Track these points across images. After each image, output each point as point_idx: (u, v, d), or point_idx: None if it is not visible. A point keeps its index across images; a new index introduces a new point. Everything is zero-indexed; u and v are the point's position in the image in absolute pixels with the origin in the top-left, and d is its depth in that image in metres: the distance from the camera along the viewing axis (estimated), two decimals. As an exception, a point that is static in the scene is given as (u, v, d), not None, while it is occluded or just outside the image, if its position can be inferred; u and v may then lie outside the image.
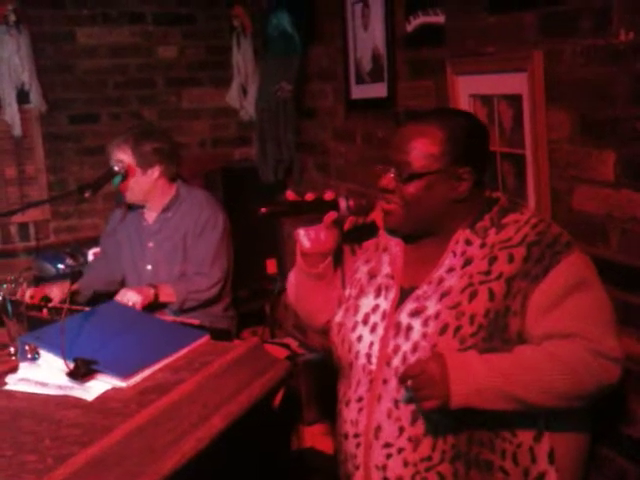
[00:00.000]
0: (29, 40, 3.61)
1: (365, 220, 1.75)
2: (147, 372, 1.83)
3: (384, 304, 1.63)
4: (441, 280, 1.57)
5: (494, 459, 1.51)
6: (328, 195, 1.64)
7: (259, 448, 1.98)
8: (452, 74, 2.22)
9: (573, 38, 1.75)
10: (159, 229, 2.87)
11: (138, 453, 1.51)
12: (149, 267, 2.87)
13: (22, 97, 3.64)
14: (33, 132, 3.76)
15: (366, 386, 1.62)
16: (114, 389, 1.76)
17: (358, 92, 2.98)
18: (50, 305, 2.57)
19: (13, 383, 1.83)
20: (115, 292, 2.82)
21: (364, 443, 1.60)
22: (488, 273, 1.53)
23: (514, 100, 1.97)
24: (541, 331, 1.49)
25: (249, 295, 3.54)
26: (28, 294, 2.50)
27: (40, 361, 1.86)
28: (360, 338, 1.64)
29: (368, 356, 1.61)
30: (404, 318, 1.57)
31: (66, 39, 3.79)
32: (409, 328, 1.56)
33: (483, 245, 1.57)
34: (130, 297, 2.55)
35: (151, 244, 2.88)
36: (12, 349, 2.00)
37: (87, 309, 2.30)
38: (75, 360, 1.77)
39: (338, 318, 1.72)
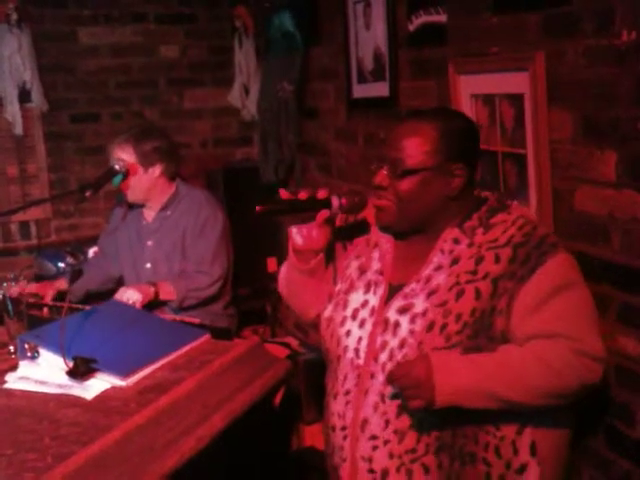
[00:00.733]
0: (31, 39, 3.61)
1: (357, 217, 1.77)
2: (147, 371, 1.84)
3: (373, 300, 1.66)
4: (429, 278, 1.59)
5: (477, 451, 1.53)
6: (321, 193, 1.67)
7: (259, 447, 1.98)
8: (454, 73, 2.22)
9: (575, 38, 1.75)
10: (158, 227, 2.88)
11: (138, 452, 1.50)
12: (148, 265, 2.87)
13: (24, 96, 3.64)
14: (34, 131, 3.77)
15: (354, 380, 1.64)
16: (113, 388, 1.76)
17: (360, 91, 2.98)
18: (41, 302, 2.58)
19: (13, 382, 1.83)
20: (109, 291, 2.84)
21: (351, 435, 1.63)
22: (475, 273, 1.56)
23: (516, 100, 1.97)
24: (526, 331, 1.52)
25: (250, 294, 3.54)
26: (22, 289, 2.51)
27: (40, 360, 1.86)
28: (349, 333, 1.66)
29: (356, 351, 1.64)
30: (392, 315, 1.60)
31: (68, 38, 3.79)
32: (397, 325, 1.58)
33: (471, 245, 1.59)
34: (130, 295, 2.55)
35: (150, 242, 2.88)
36: (12, 347, 2.00)
37: (87, 308, 2.31)
38: (75, 359, 1.77)
39: (328, 312, 1.75)
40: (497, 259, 1.55)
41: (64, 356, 1.77)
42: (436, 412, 1.50)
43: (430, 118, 1.63)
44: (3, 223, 3.73)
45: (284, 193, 1.67)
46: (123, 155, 2.78)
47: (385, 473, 1.57)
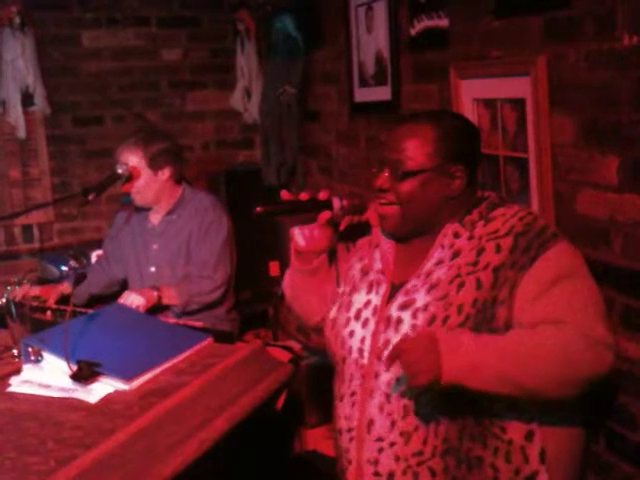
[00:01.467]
0: (34, 42, 3.62)
1: (360, 219, 1.78)
2: (150, 375, 1.84)
3: (375, 299, 1.66)
4: (429, 273, 1.59)
5: (485, 456, 1.52)
6: (322, 195, 1.69)
7: (261, 451, 1.98)
8: (456, 78, 2.22)
9: (577, 43, 1.75)
10: (163, 231, 2.88)
11: (141, 455, 1.51)
12: (152, 269, 2.88)
13: (26, 99, 3.65)
14: (37, 134, 3.77)
15: (359, 381, 1.64)
16: (117, 391, 1.77)
17: (362, 95, 2.98)
18: (44, 305, 2.58)
19: (16, 385, 1.83)
20: (113, 294, 2.84)
21: (357, 437, 1.62)
22: (476, 264, 1.55)
23: (518, 104, 1.97)
24: (529, 318, 1.48)
25: (252, 297, 3.55)
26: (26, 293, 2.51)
27: (43, 363, 1.87)
28: (352, 333, 1.66)
29: (360, 351, 1.64)
30: (394, 312, 1.60)
31: (71, 42, 3.80)
32: (399, 321, 1.58)
33: (471, 237, 1.59)
34: (133, 299, 2.56)
35: (155, 246, 2.88)
36: (15, 351, 2.01)
37: (90, 311, 2.31)
38: (78, 362, 1.77)
39: (332, 314, 1.75)
40: (498, 249, 1.54)
41: (68, 360, 1.77)
42: (441, 407, 1.47)
43: (429, 119, 1.64)
44: (6, 226, 3.73)
45: (285, 194, 1.68)
46: (133, 159, 2.77)
47: (391, 476, 1.56)
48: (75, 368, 1.77)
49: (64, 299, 2.72)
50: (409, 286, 1.61)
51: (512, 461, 1.52)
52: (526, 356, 1.44)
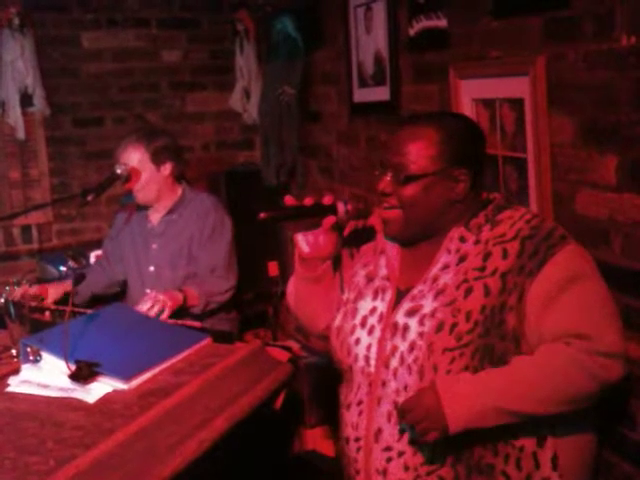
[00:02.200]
0: (33, 43, 3.62)
1: (365, 224, 1.76)
2: (149, 374, 1.84)
3: (381, 306, 1.64)
4: (436, 278, 1.57)
5: (496, 463, 1.50)
6: (327, 200, 1.65)
7: (261, 450, 1.98)
8: (455, 78, 2.22)
9: (576, 43, 1.75)
10: (163, 231, 2.88)
11: (140, 455, 1.51)
12: (151, 269, 2.87)
13: (26, 100, 3.65)
14: (37, 135, 3.78)
15: (366, 389, 1.62)
16: (115, 391, 1.77)
17: (361, 96, 2.99)
18: (43, 305, 2.58)
19: (15, 385, 1.83)
20: (112, 295, 2.83)
21: (364, 447, 1.60)
22: (483, 269, 1.53)
23: (516, 104, 1.98)
24: (540, 331, 1.48)
25: (251, 297, 3.55)
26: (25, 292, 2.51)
27: (42, 363, 1.87)
28: (358, 341, 1.64)
29: (366, 358, 1.62)
30: (400, 318, 1.58)
31: (70, 43, 3.81)
32: (405, 328, 1.56)
33: (477, 242, 1.57)
34: (160, 300, 2.51)
35: (155, 246, 2.89)
36: (14, 351, 2.01)
37: (89, 311, 2.31)
38: (77, 362, 1.77)
39: (337, 322, 1.73)
40: (505, 254, 1.53)
41: (67, 359, 1.77)
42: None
43: (432, 122, 1.61)
44: (5, 227, 3.74)
45: (289, 199, 1.65)
46: (135, 154, 2.78)
47: None
48: (74, 368, 1.76)
49: (66, 297, 2.72)
50: (415, 292, 1.59)
51: (523, 468, 1.51)
52: (528, 388, 1.45)
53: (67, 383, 1.77)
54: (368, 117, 2.95)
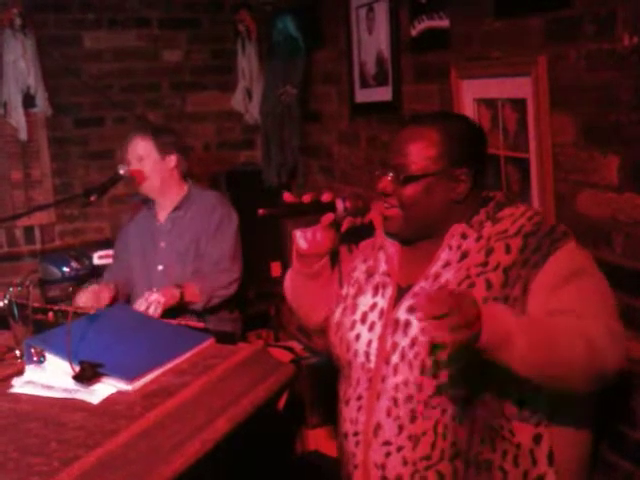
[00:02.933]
0: (35, 44, 3.62)
1: (363, 221, 1.77)
2: (152, 375, 1.84)
3: (382, 302, 1.64)
4: (437, 275, 1.58)
5: (494, 459, 1.51)
6: (325, 197, 1.66)
7: (263, 451, 1.98)
8: (457, 78, 2.23)
9: (577, 43, 1.76)
10: (171, 228, 2.89)
11: (143, 456, 1.51)
12: (160, 267, 2.88)
13: (28, 101, 3.65)
14: (39, 136, 3.78)
15: (365, 384, 1.62)
16: (119, 392, 1.77)
17: (362, 96, 2.99)
18: (46, 306, 2.59)
19: (19, 386, 1.83)
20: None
21: (363, 442, 1.61)
22: (485, 264, 1.53)
23: (518, 104, 1.98)
24: (549, 307, 1.45)
25: (254, 298, 3.56)
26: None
27: (46, 364, 1.87)
28: (358, 336, 1.65)
29: (366, 354, 1.62)
30: (402, 314, 1.58)
31: (72, 43, 3.81)
32: (407, 324, 1.56)
33: (479, 238, 1.57)
34: (154, 298, 2.54)
35: (163, 244, 2.89)
36: (18, 352, 2.01)
37: (92, 312, 2.31)
38: (81, 363, 1.78)
39: (336, 317, 1.73)
40: (508, 249, 1.53)
41: (70, 360, 1.78)
42: (449, 406, 1.45)
43: (433, 122, 1.62)
44: (7, 228, 3.74)
45: (288, 196, 1.66)
46: (143, 144, 2.82)
47: None
48: (77, 369, 1.77)
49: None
50: (417, 288, 1.59)
51: (520, 464, 1.51)
52: (557, 337, 1.38)
53: (71, 384, 1.77)
54: (369, 117, 2.96)
